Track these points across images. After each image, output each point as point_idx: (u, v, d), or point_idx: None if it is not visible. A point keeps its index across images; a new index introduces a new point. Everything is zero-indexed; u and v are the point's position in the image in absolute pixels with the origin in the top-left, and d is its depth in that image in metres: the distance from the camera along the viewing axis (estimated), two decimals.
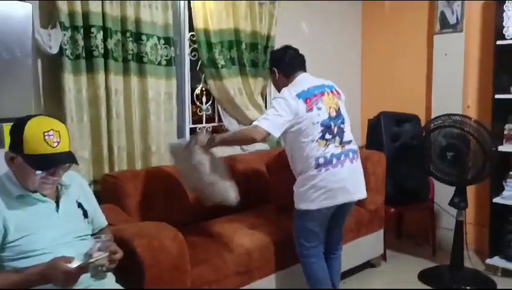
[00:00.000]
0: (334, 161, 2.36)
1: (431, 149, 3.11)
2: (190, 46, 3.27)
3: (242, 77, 3.35)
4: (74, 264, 1.42)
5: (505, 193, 3.31)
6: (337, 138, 2.39)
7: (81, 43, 2.50)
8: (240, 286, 2.45)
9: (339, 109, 2.45)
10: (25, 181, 1.54)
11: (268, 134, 2.30)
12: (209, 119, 3.53)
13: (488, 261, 3.37)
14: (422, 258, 3.63)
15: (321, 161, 2.34)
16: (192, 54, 3.28)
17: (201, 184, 2.34)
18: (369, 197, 2.68)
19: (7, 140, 1.76)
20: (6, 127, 1.91)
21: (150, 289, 1.93)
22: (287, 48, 2.60)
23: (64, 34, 2.43)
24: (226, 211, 2.97)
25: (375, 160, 3.31)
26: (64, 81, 2.45)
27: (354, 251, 3.16)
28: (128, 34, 2.70)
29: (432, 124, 3.13)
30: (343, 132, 2.43)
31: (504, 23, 3.23)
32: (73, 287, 1.46)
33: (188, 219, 2.73)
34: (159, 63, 2.88)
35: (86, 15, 2.51)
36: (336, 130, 2.39)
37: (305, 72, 2.57)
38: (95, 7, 2.52)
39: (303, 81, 2.47)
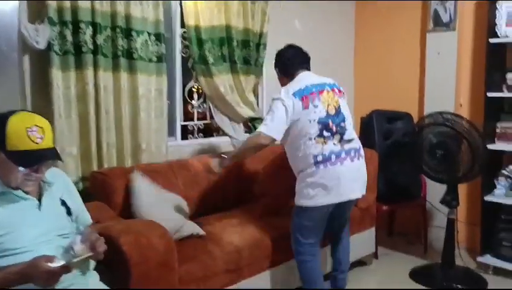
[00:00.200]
0: (333, 158, 2.37)
1: (422, 147, 3.11)
2: (182, 42, 3.25)
3: (233, 74, 3.33)
4: (56, 263, 1.39)
5: (496, 191, 3.31)
6: (336, 135, 2.40)
7: (70, 38, 2.48)
8: (229, 284, 2.43)
9: (339, 107, 2.46)
10: (7, 178, 1.52)
11: (273, 139, 2.38)
12: (202, 117, 3.52)
13: (480, 259, 3.37)
14: (413, 256, 3.63)
15: (319, 158, 2.35)
16: (184, 51, 3.26)
17: None
18: None
19: None
20: None
21: (133, 289, 1.91)
22: (288, 47, 2.64)
23: (53, 30, 2.40)
24: (216, 208, 2.98)
25: (367, 158, 3.22)
26: (53, 77, 2.43)
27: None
28: (118, 30, 2.67)
29: (423, 122, 3.13)
30: (345, 130, 2.44)
31: (496, 21, 3.22)
32: (55, 287, 1.44)
33: None
34: (150, 60, 2.85)
35: (74, 10, 2.48)
36: (335, 127, 2.40)
37: (307, 70, 2.59)
38: (84, 2, 2.50)
39: (302, 79, 2.49)
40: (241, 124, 3.51)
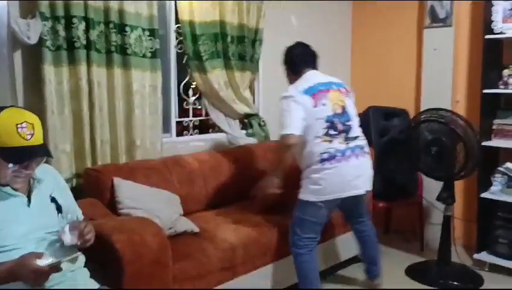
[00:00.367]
0: (339, 156, 2.42)
1: (418, 143, 3.10)
2: (176, 38, 3.22)
3: (227, 70, 3.31)
4: (44, 260, 1.37)
5: (492, 188, 3.30)
6: (342, 134, 2.46)
7: (62, 33, 2.45)
8: (223, 282, 2.41)
9: (345, 106, 2.51)
10: None
11: (300, 135, 2.39)
12: (198, 114, 3.49)
13: (476, 256, 3.36)
14: (410, 253, 3.63)
15: (325, 156, 2.41)
16: (179, 47, 3.23)
17: None
18: None
19: None
20: None
21: (123, 289, 1.89)
22: (296, 45, 2.66)
23: (45, 25, 2.37)
24: (211, 205, 2.96)
25: None
26: (45, 72, 2.40)
27: (342, 245, 3.15)
28: (111, 25, 2.64)
29: (419, 118, 3.12)
30: (350, 128, 2.49)
31: (493, 18, 3.21)
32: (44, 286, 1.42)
33: None
34: (144, 55, 2.82)
35: (67, 5, 2.45)
36: (341, 126, 2.45)
37: (315, 69, 2.62)
38: None
39: (309, 78, 2.54)
40: (237, 120, 3.49)
